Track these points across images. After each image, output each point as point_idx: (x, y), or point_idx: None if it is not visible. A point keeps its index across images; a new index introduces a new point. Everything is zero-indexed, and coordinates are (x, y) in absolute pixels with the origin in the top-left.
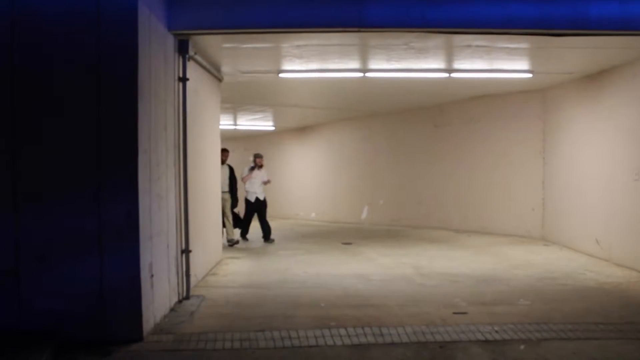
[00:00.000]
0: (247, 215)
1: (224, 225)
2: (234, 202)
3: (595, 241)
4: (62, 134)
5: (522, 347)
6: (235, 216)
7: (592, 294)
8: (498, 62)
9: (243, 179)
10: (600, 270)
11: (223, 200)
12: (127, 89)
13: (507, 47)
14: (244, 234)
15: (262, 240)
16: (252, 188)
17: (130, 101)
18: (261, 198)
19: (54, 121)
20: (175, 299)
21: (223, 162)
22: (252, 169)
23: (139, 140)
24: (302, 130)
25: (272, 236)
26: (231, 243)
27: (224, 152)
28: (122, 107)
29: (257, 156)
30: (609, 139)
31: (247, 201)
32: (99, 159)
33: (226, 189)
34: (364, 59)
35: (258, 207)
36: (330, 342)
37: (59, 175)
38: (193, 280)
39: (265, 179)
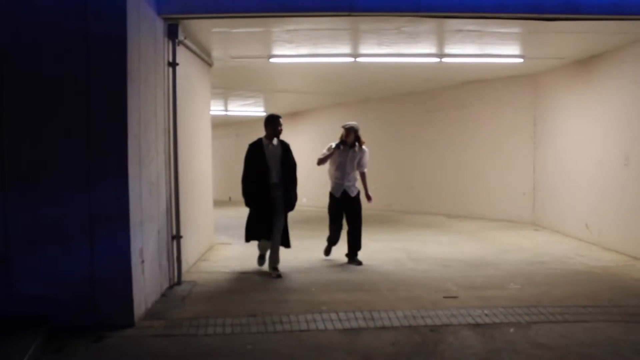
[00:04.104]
0: (332, 218)
1: (267, 238)
2: (289, 201)
3: (585, 226)
4: (51, 118)
5: (511, 330)
6: (285, 228)
7: (581, 277)
8: (489, 47)
9: (319, 161)
10: (590, 255)
11: (271, 197)
12: (116, 74)
13: (499, 32)
14: (331, 244)
15: (346, 257)
16: (339, 177)
17: (119, 86)
18: (352, 193)
19: (42, 106)
20: (166, 285)
21: (272, 137)
22: (338, 146)
23: (129, 126)
24: (294, 115)
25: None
26: (275, 273)
27: (273, 122)
28: (111, 92)
29: (348, 129)
30: (599, 124)
31: (330, 196)
32: (88, 144)
33: (277, 179)
34: (354, 43)
35: (346, 206)
36: (321, 326)
37: (48, 160)
38: (184, 265)
39: (363, 166)
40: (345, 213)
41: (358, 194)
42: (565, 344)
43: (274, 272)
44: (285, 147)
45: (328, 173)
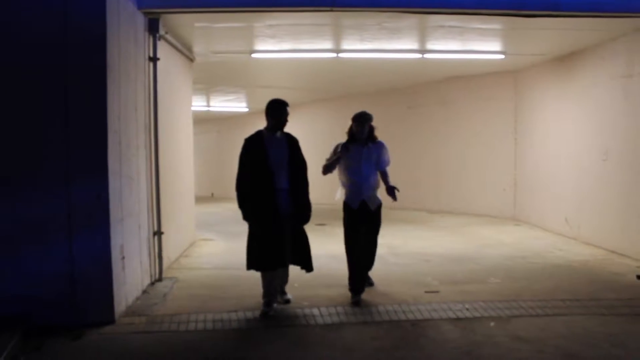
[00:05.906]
0: (350, 236)
1: (281, 264)
2: (303, 211)
3: (565, 220)
4: (29, 115)
5: (492, 324)
6: (306, 246)
7: (560, 271)
8: (471, 43)
9: (324, 169)
10: (569, 249)
11: (278, 208)
12: (96, 69)
13: (480, 28)
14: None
15: (349, 289)
16: (356, 183)
17: (98, 81)
18: (372, 206)
19: (20, 102)
20: (147, 281)
21: (276, 128)
22: (346, 146)
23: (108, 121)
24: None
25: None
26: (267, 310)
27: (277, 110)
28: (90, 87)
29: (358, 120)
30: (578, 120)
31: (345, 208)
32: (68, 140)
33: (284, 184)
34: (336, 39)
35: (364, 220)
36: (303, 322)
37: (27, 157)
38: (166, 262)
39: (383, 163)
40: (365, 226)
41: (379, 207)
42: (544, 337)
43: (265, 310)
44: (292, 142)
45: (339, 180)
